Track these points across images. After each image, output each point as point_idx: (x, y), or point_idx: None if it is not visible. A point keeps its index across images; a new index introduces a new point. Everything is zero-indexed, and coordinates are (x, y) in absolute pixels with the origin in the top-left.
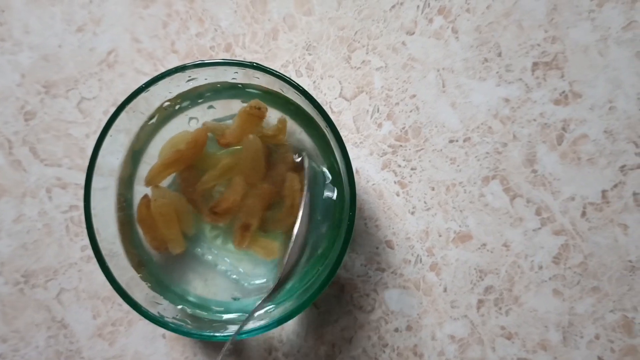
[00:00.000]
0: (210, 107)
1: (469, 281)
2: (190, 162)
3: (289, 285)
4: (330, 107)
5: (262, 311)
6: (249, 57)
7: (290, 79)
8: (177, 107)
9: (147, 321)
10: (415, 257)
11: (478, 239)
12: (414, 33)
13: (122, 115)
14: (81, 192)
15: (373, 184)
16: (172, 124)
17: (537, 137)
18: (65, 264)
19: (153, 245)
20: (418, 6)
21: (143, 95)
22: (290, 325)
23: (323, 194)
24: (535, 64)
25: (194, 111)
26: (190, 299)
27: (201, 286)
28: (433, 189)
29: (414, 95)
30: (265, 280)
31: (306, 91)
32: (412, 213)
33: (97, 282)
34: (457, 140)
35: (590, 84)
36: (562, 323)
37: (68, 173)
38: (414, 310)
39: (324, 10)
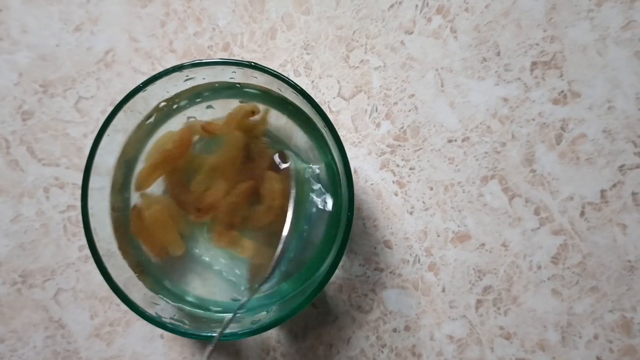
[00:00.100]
0: (209, 106)
1: (467, 281)
2: (177, 161)
3: (270, 283)
4: (329, 107)
5: (242, 312)
6: (247, 57)
7: (288, 78)
8: (174, 106)
9: (145, 321)
10: (414, 257)
11: (476, 239)
12: (412, 32)
13: (120, 114)
14: (79, 192)
15: (371, 184)
16: (170, 124)
17: (536, 137)
18: (62, 264)
19: (154, 253)
20: (417, 5)
21: (141, 94)
22: (288, 325)
23: (309, 193)
24: (534, 64)
25: (192, 111)
26: (189, 299)
27: (199, 287)
28: (431, 188)
29: (413, 95)
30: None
31: (304, 91)
32: (411, 213)
33: (95, 282)
34: (455, 140)
35: (589, 83)
36: (561, 323)
37: (66, 173)
38: (413, 311)
39: (322, 9)
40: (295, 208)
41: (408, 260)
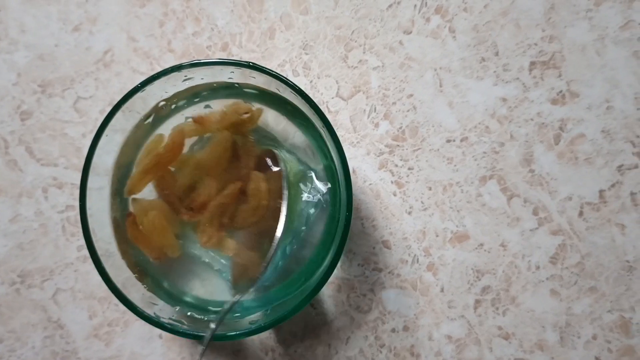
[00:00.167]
0: (207, 106)
1: (466, 281)
2: (168, 165)
3: (267, 283)
4: (327, 107)
5: (235, 313)
6: (245, 57)
7: (286, 78)
8: (173, 106)
9: (143, 321)
10: (412, 257)
11: (475, 239)
12: (411, 32)
13: (118, 114)
14: (77, 192)
15: (370, 184)
16: (168, 124)
17: (535, 137)
18: (61, 264)
19: (153, 256)
20: (415, 5)
21: (139, 94)
22: (287, 325)
23: (306, 194)
24: (532, 64)
25: (191, 111)
26: (187, 299)
27: (198, 287)
28: (430, 188)
29: (411, 95)
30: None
31: (303, 91)
32: (409, 213)
33: (94, 282)
34: (454, 140)
35: (588, 83)
36: (560, 323)
37: (64, 173)
38: (411, 311)
39: (321, 9)
40: (288, 208)
41: (407, 261)
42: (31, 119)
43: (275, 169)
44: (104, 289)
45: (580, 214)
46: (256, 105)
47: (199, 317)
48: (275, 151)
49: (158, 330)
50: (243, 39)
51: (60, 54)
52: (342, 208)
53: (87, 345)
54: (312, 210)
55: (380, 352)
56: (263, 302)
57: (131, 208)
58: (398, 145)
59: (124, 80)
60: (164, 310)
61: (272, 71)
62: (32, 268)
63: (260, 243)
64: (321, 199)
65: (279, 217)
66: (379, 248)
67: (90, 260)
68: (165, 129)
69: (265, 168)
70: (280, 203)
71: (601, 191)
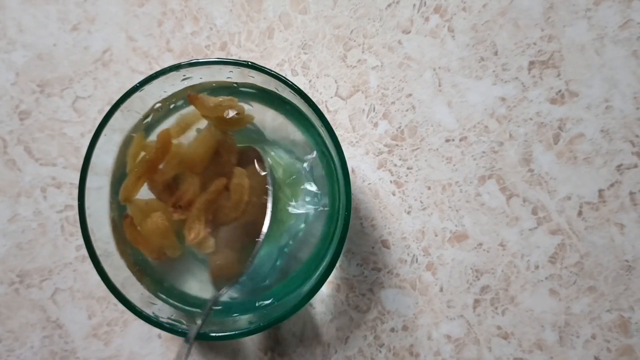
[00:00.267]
0: None
1: (465, 281)
2: (158, 166)
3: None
4: (326, 106)
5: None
6: (244, 56)
7: (285, 78)
8: (172, 106)
9: (142, 321)
10: (411, 256)
11: (474, 239)
12: (410, 32)
13: (117, 114)
14: (76, 192)
15: (369, 184)
16: (167, 123)
17: (534, 136)
18: (60, 264)
19: (153, 258)
20: (414, 5)
21: (138, 94)
22: (286, 325)
23: (304, 195)
24: (531, 63)
25: (189, 110)
26: (186, 298)
27: (197, 286)
28: (429, 188)
29: (410, 95)
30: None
31: (301, 90)
32: (408, 212)
33: (92, 282)
34: (453, 140)
35: (587, 83)
36: (559, 323)
37: (63, 172)
38: (410, 310)
39: (320, 8)
40: (274, 205)
41: (406, 260)
42: (30, 119)
43: (263, 173)
44: (103, 289)
45: (580, 213)
46: (255, 105)
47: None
48: (258, 148)
49: (157, 330)
50: (242, 39)
51: (59, 53)
52: (341, 208)
53: (86, 345)
54: (311, 211)
55: (379, 351)
56: (262, 302)
57: (128, 209)
58: (397, 145)
59: (122, 80)
60: (162, 309)
61: (271, 70)
62: (31, 268)
63: (244, 240)
64: (318, 197)
65: (263, 213)
66: (378, 248)
67: (89, 260)
68: (165, 128)
69: (247, 164)
70: (265, 199)
71: (600, 191)
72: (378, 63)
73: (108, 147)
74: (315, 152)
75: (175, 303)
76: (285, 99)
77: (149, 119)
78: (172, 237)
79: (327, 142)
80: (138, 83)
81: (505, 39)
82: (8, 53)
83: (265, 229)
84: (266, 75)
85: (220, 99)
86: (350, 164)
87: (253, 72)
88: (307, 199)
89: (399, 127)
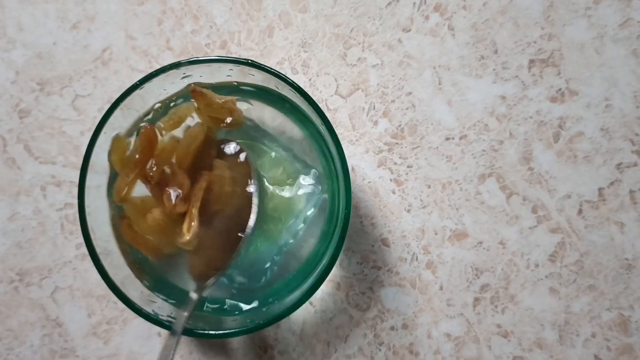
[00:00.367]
0: None
1: (464, 279)
2: (147, 163)
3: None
4: (326, 105)
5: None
6: (244, 54)
7: (285, 76)
8: (171, 104)
9: (142, 319)
10: (411, 255)
11: (474, 237)
12: (410, 30)
13: (117, 112)
14: (76, 190)
15: (369, 182)
16: None
17: (534, 135)
18: (59, 262)
19: (153, 256)
20: (414, 3)
21: (137, 92)
22: (286, 323)
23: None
24: (531, 62)
25: (184, 104)
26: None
27: (195, 283)
28: (429, 186)
29: (410, 93)
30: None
31: (302, 89)
32: (408, 211)
33: (92, 281)
34: (453, 138)
35: (587, 81)
36: (558, 321)
37: (62, 171)
38: (410, 309)
39: (320, 7)
40: (261, 198)
41: (405, 259)
42: (29, 117)
43: (241, 157)
44: (103, 287)
45: (579, 212)
46: (254, 103)
47: (196, 313)
48: (236, 141)
49: (157, 328)
50: (242, 37)
51: (59, 52)
52: (341, 206)
53: (86, 344)
54: (310, 210)
55: (379, 350)
56: (261, 300)
57: (125, 209)
58: (397, 143)
59: (122, 78)
60: (162, 307)
61: (271, 69)
62: (31, 266)
63: (230, 234)
64: (318, 195)
65: (248, 206)
66: (377, 246)
67: (88, 259)
68: None
69: (226, 156)
70: (250, 193)
71: (600, 189)
72: (378, 61)
73: (108, 146)
74: (314, 151)
75: (175, 301)
76: (285, 97)
77: (149, 117)
78: (171, 233)
79: (327, 140)
80: (138, 81)
81: (505, 37)
82: (8, 52)
83: (252, 222)
84: (266, 73)
85: (223, 100)
86: (350, 163)
87: (253, 70)
88: (306, 196)
89: (399, 126)
